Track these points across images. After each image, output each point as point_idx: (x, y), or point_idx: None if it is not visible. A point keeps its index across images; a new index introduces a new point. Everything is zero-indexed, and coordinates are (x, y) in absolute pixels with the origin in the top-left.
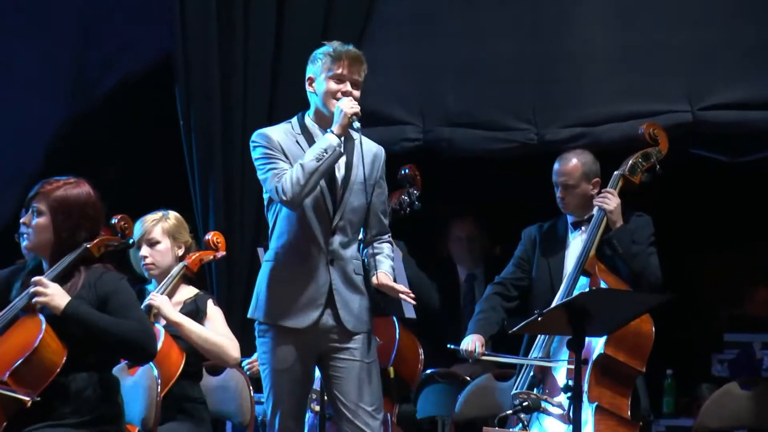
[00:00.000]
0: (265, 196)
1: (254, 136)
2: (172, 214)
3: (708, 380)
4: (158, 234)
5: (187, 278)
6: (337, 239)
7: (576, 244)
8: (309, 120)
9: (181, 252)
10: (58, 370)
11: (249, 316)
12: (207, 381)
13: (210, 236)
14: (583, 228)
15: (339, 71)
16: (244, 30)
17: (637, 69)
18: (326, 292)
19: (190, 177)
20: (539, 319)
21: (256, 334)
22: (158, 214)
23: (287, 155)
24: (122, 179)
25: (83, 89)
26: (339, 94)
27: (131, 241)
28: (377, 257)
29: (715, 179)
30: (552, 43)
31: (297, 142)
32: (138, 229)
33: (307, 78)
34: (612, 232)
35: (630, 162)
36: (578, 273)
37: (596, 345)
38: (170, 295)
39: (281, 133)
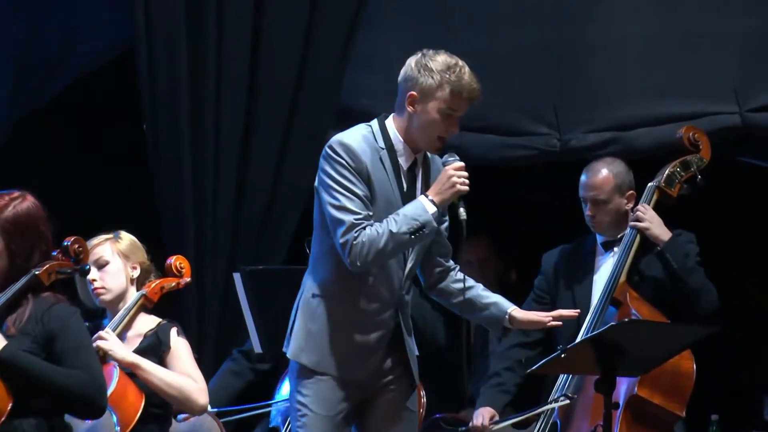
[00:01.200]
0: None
1: (336, 146)
2: (125, 235)
3: (759, 427)
4: (107, 253)
5: (146, 310)
6: (407, 283)
7: (606, 268)
8: (393, 131)
9: (136, 273)
10: (3, 418)
11: (291, 357)
12: (175, 427)
13: (172, 260)
14: (615, 249)
15: (455, 108)
16: (218, 15)
17: (676, 63)
18: (390, 339)
19: (156, 190)
20: (563, 356)
21: (295, 372)
22: (108, 234)
23: (371, 181)
24: (75, 192)
25: (29, 88)
26: (446, 132)
27: (87, 267)
28: (480, 291)
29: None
30: (578, 33)
31: (380, 159)
32: None
33: (408, 93)
34: (664, 244)
35: (666, 172)
36: (606, 302)
37: (627, 386)
38: (128, 328)
39: (365, 146)
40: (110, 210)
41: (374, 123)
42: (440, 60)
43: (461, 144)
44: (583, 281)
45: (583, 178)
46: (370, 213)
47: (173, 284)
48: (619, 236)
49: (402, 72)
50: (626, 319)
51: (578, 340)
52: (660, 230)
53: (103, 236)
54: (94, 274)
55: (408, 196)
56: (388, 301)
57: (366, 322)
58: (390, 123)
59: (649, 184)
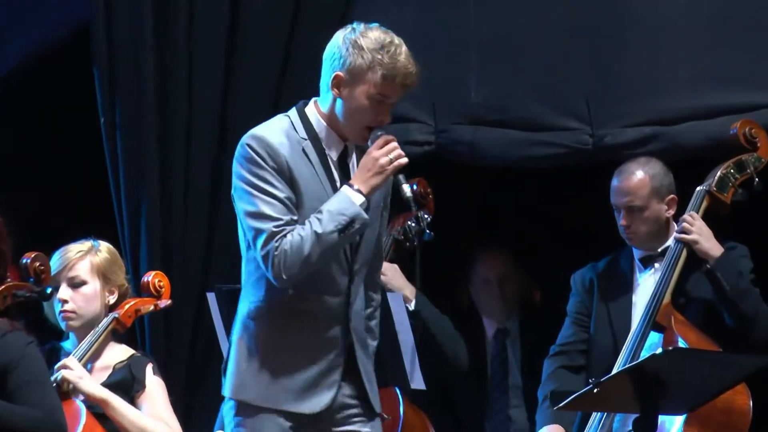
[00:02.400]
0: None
1: (250, 142)
2: (104, 246)
3: None
4: (85, 271)
5: (117, 335)
6: (355, 290)
7: (646, 287)
8: (316, 118)
9: (112, 299)
10: None
11: (230, 397)
12: None
13: (150, 278)
14: (656, 265)
15: (387, 94)
16: None
17: (729, 46)
18: (343, 363)
19: (114, 194)
20: (595, 390)
21: (234, 412)
22: (86, 245)
23: (294, 180)
24: (21, 199)
25: None
26: (375, 122)
27: (48, 290)
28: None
29: None
30: (613, 11)
31: (303, 151)
32: (56, 262)
33: (333, 73)
34: (714, 261)
35: (718, 174)
36: (648, 327)
37: (672, 426)
38: (95, 357)
39: (284, 139)
40: (61, 218)
41: (292, 112)
42: (373, 37)
43: (476, 140)
44: (619, 302)
45: (614, 182)
46: (294, 217)
47: (150, 307)
48: (659, 250)
49: (328, 48)
50: (670, 348)
51: (614, 371)
52: (710, 244)
53: (82, 247)
54: (65, 293)
55: None
56: (334, 315)
57: (313, 343)
58: (312, 109)
59: (698, 188)
